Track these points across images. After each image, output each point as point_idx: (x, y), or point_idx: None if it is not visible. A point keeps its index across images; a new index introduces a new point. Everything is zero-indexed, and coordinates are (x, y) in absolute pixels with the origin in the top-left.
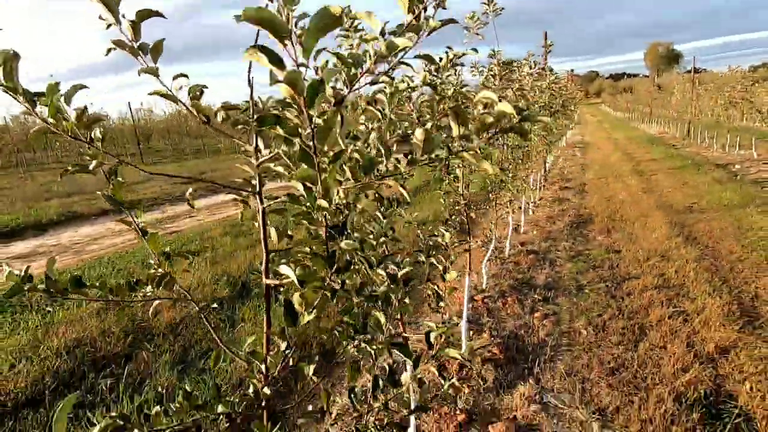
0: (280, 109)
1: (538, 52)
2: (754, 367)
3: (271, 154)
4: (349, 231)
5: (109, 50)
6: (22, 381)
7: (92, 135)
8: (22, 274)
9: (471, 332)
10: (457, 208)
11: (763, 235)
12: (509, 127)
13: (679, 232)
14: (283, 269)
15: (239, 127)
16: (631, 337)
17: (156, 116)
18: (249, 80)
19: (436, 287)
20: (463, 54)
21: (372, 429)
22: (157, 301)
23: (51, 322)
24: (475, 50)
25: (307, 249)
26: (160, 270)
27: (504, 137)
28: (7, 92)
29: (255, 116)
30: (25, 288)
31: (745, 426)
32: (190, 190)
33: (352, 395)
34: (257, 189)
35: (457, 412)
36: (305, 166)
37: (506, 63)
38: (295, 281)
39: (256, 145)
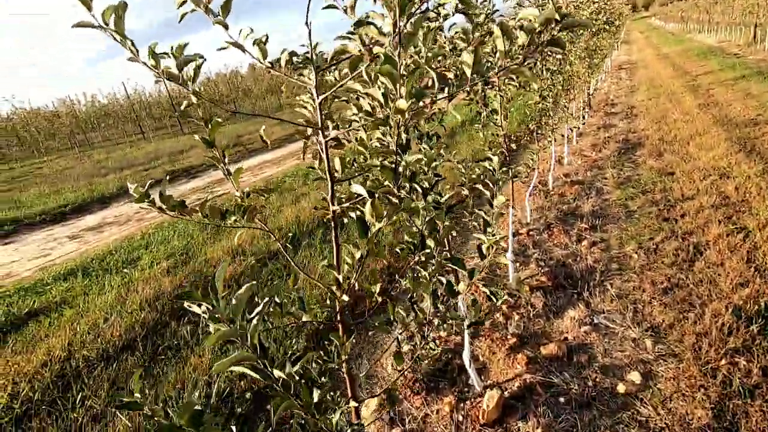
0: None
1: None
2: None
3: (341, 83)
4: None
5: (183, 15)
6: (116, 331)
7: (185, 76)
8: (144, 190)
9: (517, 264)
10: (497, 141)
11: None
12: (549, 40)
13: (740, 148)
14: (355, 188)
15: (297, 73)
16: (686, 257)
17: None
18: (307, 23)
19: (482, 213)
20: None
21: (432, 337)
22: (242, 229)
23: (130, 281)
24: None
25: (377, 162)
26: (242, 203)
27: (543, 62)
28: (114, 38)
29: (353, 24)
30: (146, 201)
31: None
32: (263, 128)
33: (414, 306)
34: (319, 124)
35: (509, 336)
36: (388, 66)
37: None
38: (365, 193)
39: (317, 82)
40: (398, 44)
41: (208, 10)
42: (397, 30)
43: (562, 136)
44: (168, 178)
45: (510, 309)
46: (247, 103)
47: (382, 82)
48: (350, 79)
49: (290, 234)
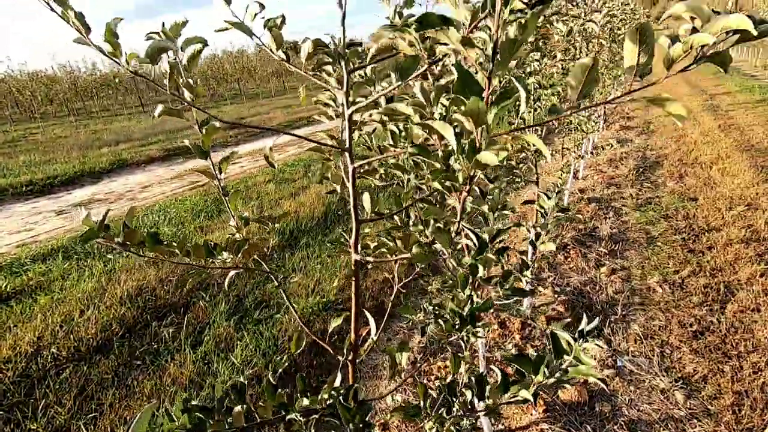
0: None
1: None
2: None
3: (379, 94)
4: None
5: None
6: (92, 327)
7: (159, 70)
8: (99, 220)
9: (532, 288)
10: (522, 155)
11: None
12: (710, 55)
13: (767, 177)
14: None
15: (314, 68)
16: (716, 296)
17: None
18: (340, 3)
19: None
20: None
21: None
22: (233, 272)
23: (113, 270)
24: None
25: (432, 220)
26: (238, 235)
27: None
28: (56, 12)
29: (414, 20)
30: (101, 235)
31: None
32: (270, 143)
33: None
34: (346, 144)
35: None
36: (474, 99)
37: None
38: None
39: (348, 87)
40: (492, 56)
41: None
42: (495, 35)
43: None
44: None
45: (523, 340)
46: (251, 84)
47: (457, 120)
48: (390, 91)
49: (288, 230)
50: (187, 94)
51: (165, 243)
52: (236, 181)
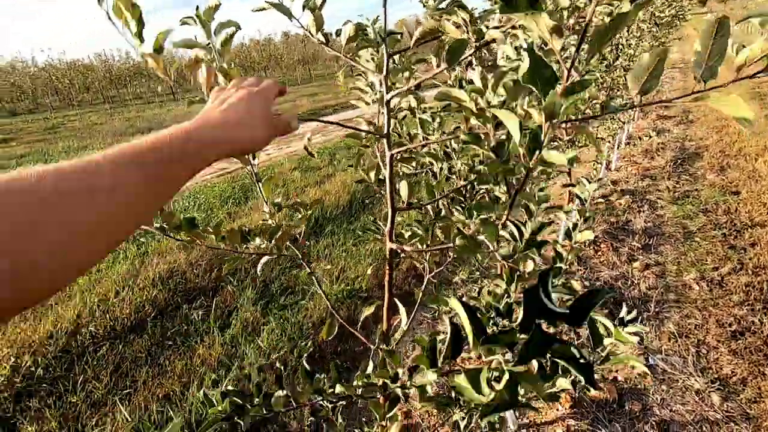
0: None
1: None
2: None
3: (420, 79)
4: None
5: None
6: (126, 308)
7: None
8: None
9: None
10: (555, 143)
11: None
12: None
13: None
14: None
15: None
16: (759, 296)
17: None
18: None
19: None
20: None
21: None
22: (266, 258)
23: (146, 252)
24: None
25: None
26: (271, 221)
27: (620, 53)
28: None
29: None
30: None
31: None
32: (309, 134)
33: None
34: (385, 130)
35: None
36: (552, 93)
37: None
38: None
39: (387, 72)
40: (578, 46)
41: None
42: (587, 21)
43: (612, 138)
44: None
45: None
46: (277, 72)
47: (523, 110)
48: (434, 75)
49: (313, 218)
50: (221, 79)
51: (200, 228)
52: (263, 168)
